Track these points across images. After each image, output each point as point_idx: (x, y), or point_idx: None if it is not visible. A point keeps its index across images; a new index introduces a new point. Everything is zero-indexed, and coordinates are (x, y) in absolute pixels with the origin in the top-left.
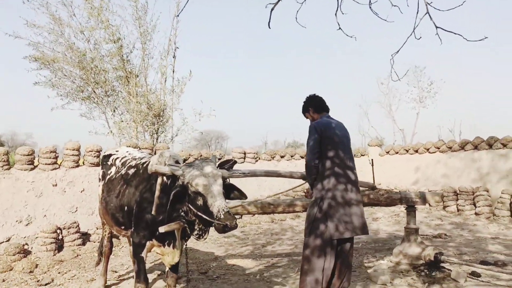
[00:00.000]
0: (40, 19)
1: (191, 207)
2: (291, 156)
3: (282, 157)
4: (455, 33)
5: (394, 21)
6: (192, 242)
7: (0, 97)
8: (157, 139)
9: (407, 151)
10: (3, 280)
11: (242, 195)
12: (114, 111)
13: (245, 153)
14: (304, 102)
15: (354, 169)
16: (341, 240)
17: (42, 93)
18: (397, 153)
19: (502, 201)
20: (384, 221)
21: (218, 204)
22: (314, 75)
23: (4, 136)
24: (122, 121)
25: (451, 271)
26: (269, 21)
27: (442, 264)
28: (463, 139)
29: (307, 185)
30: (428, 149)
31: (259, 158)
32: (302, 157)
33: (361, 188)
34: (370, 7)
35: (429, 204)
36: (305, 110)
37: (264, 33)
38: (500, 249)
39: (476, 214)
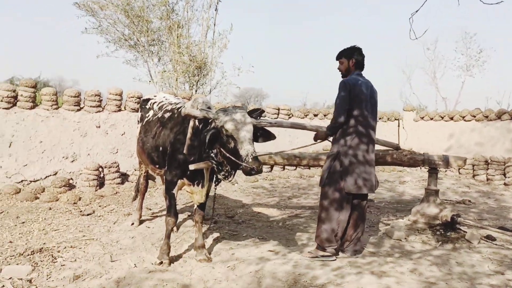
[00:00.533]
0: None
1: (222, 149)
2: (324, 115)
3: (315, 115)
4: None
5: None
6: (222, 190)
7: (48, 45)
8: (196, 90)
9: (442, 117)
10: (50, 208)
11: (269, 135)
12: (159, 60)
13: (279, 109)
14: (350, 49)
15: (375, 129)
16: (358, 195)
17: (89, 41)
18: (431, 119)
19: None
20: (411, 184)
21: (247, 148)
22: (358, 36)
23: (52, 81)
24: (165, 71)
25: (466, 232)
26: None
27: (458, 226)
28: (500, 109)
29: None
30: (463, 117)
31: (292, 115)
32: None
33: (385, 148)
34: None
35: (453, 168)
36: (348, 57)
37: None
38: None
39: (505, 184)
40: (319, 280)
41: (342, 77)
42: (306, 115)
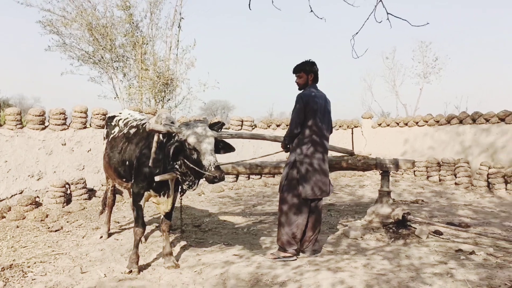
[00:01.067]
0: None
1: (186, 160)
2: (287, 125)
3: (278, 125)
4: (403, 19)
5: (360, 5)
6: (189, 201)
7: (9, 63)
8: (162, 106)
9: (397, 123)
10: (17, 227)
11: (230, 148)
12: (124, 76)
13: (242, 121)
14: (309, 64)
15: (328, 139)
16: (314, 200)
17: (50, 59)
18: (388, 125)
19: (480, 172)
20: (370, 188)
21: (209, 159)
22: (319, 47)
23: (13, 99)
24: (130, 87)
25: (415, 229)
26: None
27: (408, 223)
28: (449, 114)
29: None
30: (417, 123)
31: (256, 126)
32: None
33: (340, 154)
34: None
35: (407, 171)
36: (307, 72)
37: (270, 6)
38: (468, 213)
39: (456, 184)
40: (279, 278)
41: (299, 89)
42: (269, 126)
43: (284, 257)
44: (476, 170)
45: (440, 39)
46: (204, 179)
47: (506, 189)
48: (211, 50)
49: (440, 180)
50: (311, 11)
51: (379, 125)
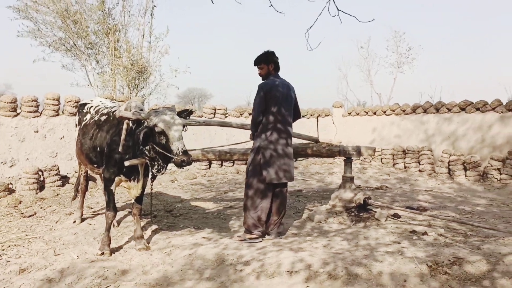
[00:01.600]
0: None
1: (155, 146)
2: None
3: (250, 114)
4: (351, 15)
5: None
6: (162, 188)
7: None
8: (136, 93)
9: (366, 112)
10: None
11: None
12: (97, 63)
13: (215, 109)
14: (268, 54)
15: (292, 125)
16: (279, 184)
17: (23, 45)
18: (358, 114)
19: (442, 159)
20: (339, 175)
21: (177, 144)
22: (295, 35)
23: None
24: (103, 74)
25: (375, 212)
26: None
27: (369, 207)
28: (414, 103)
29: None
30: (385, 112)
31: (229, 115)
32: None
33: (305, 141)
34: None
35: (369, 157)
36: (267, 62)
37: None
38: (427, 198)
39: (419, 171)
40: (244, 258)
41: (262, 80)
42: (241, 114)
43: (250, 239)
44: (439, 157)
45: (413, 29)
46: (172, 163)
47: (465, 175)
48: (187, 37)
49: (405, 167)
50: (271, 5)
51: (349, 114)
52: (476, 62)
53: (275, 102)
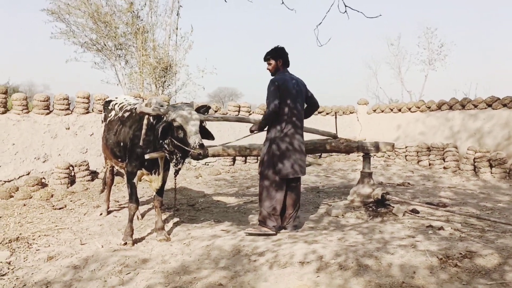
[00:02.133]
0: None
1: (173, 139)
2: None
3: None
4: (358, 11)
5: None
6: (186, 183)
7: (16, 50)
8: (163, 91)
9: (391, 110)
10: (24, 205)
11: (209, 136)
12: (126, 63)
13: (239, 107)
14: (276, 50)
15: (303, 120)
16: (293, 178)
17: (57, 46)
18: (382, 111)
19: (467, 156)
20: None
21: (194, 137)
22: (324, 32)
23: (22, 86)
24: (132, 73)
25: (393, 207)
26: None
27: (387, 202)
28: (440, 100)
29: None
30: (409, 108)
31: (253, 112)
32: None
33: (324, 137)
34: None
35: (395, 154)
36: (275, 58)
37: None
38: (449, 195)
39: (444, 168)
40: (259, 249)
41: (272, 75)
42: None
43: (264, 230)
44: (464, 154)
45: (446, 25)
46: (190, 157)
47: (491, 172)
48: (215, 36)
49: (429, 164)
50: (282, 2)
51: (374, 111)
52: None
53: (289, 96)
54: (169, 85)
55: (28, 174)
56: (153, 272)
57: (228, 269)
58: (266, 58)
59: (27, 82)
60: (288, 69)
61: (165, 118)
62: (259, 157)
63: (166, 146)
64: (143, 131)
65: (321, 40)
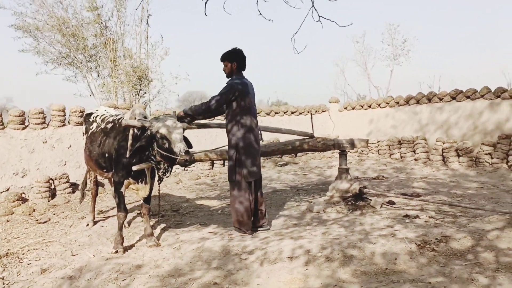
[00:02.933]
0: None
1: (159, 149)
2: (267, 114)
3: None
4: (332, 21)
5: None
6: (168, 189)
7: None
8: (138, 100)
9: (362, 106)
10: (7, 221)
11: (188, 144)
12: (98, 75)
13: None
14: (232, 53)
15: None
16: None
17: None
18: (353, 108)
19: (436, 147)
20: (337, 169)
21: (179, 145)
22: (290, 33)
23: None
24: (104, 84)
25: (371, 200)
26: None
27: (365, 196)
28: (407, 95)
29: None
30: (379, 104)
31: None
32: (285, 113)
33: (301, 137)
34: None
35: (363, 149)
36: (230, 60)
37: None
38: (422, 185)
39: (415, 160)
40: (248, 248)
41: (227, 77)
42: None
43: (240, 235)
44: (433, 145)
45: (407, 21)
46: (177, 164)
47: (458, 161)
48: (184, 41)
49: (401, 157)
50: (260, 14)
51: (345, 108)
52: (475, 49)
53: (246, 102)
54: (145, 93)
55: (7, 190)
56: (148, 276)
57: (221, 269)
58: (222, 60)
59: None
60: (244, 72)
61: (149, 131)
62: None
63: (152, 157)
64: (129, 142)
65: (297, 46)
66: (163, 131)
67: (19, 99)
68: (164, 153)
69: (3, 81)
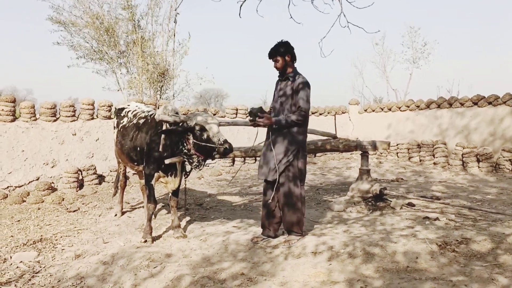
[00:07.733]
0: None
1: (197, 142)
2: None
3: None
4: (359, 27)
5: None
6: (190, 184)
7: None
8: (160, 96)
9: (382, 109)
10: (39, 208)
11: None
12: (127, 71)
13: (237, 110)
14: (281, 45)
15: None
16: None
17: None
18: (373, 111)
19: (455, 152)
20: (356, 169)
21: (218, 135)
22: (309, 34)
23: (5, 91)
24: (131, 79)
25: (391, 201)
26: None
27: (385, 197)
28: (428, 99)
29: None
30: (399, 108)
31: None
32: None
33: (324, 137)
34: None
35: (383, 151)
36: (282, 54)
37: None
38: (441, 189)
39: (434, 163)
40: (272, 242)
41: (280, 73)
42: None
43: (264, 238)
44: (452, 150)
45: (428, 24)
46: (215, 154)
47: (478, 167)
48: (206, 39)
49: (420, 160)
50: (291, 17)
51: (365, 110)
52: (495, 54)
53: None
54: (167, 89)
55: (37, 179)
56: (178, 265)
57: (247, 261)
58: (272, 56)
59: (10, 87)
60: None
61: (185, 125)
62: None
63: (186, 150)
64: (163, 136)
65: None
66: (201, 123)
67: (37, 91)
68: (203, 144)
69: (24, 73)
